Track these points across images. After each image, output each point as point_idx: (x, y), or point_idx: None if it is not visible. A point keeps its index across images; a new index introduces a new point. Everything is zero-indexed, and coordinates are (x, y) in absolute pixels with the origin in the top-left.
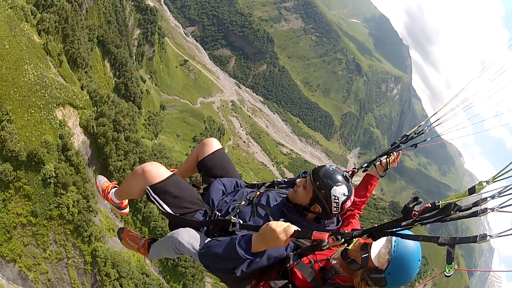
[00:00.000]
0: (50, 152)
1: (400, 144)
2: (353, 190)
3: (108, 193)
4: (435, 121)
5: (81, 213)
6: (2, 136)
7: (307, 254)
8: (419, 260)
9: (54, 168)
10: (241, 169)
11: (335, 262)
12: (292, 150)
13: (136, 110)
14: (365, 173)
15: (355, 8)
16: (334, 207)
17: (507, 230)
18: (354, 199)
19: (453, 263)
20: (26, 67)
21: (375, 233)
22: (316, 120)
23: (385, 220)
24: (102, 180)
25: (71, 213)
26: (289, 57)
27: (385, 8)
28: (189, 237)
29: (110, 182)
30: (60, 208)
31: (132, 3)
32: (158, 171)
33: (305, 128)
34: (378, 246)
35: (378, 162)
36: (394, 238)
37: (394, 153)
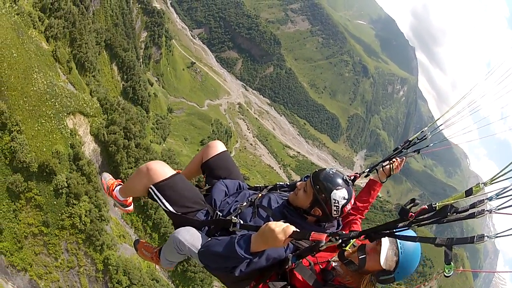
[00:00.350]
0: (61, 162)
1: (402, 150)
2: (353, 193)
3: (113, 190)
4: (439, 126)
5: (93, 222)
6: (12, 147)
7: (305, 255)
8: (421, 253)
9: (66, 179)
10: (248, 171)
11: (336, 264)
12: (299, 152)
13: (145, 114)
14: (367, 177)
15: (361, 9)
16: (334, 210)
17: (505, 231)
18: (356, 204)
19: (452, 263)
20: (35, 76)
21: (372, 235)
22: (322, 122)
23: None
24: (107, 177)
25: (83, 222)
26: (295, 59)
27: (391, 9)
28: (190, 236)
29: (115, 179)
30: (72, 218)
31: (139, 5)
32: (162, 170)
33: (311, 130)
34: (384, 251)
35: (381, 168)
36: (398, 240)
37: (398, 159)
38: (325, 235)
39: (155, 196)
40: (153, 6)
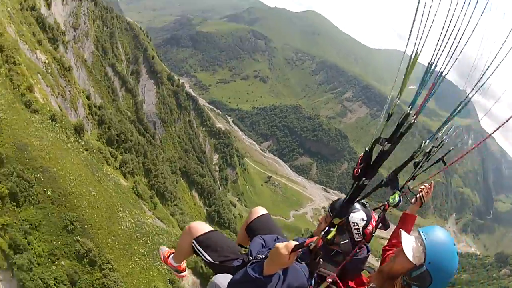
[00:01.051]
0: None
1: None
2: (372, 214)
3: (168, 257)
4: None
5: None
6: (106, 284)
7: (313, 267)
8: (451, 238)
9: None
10: None
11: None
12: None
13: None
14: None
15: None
16: (356, 233)
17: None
18: (392, 241)
19: (397, 191)
20: (120, 214)
21: (340, 211)
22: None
23: (494, 275)
24: (164, 249)
25: None
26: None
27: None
28: (225, 280)
29: (170, 249)
30: None
31: (204, 128)
32: (201, 227)
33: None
34: (409, 244)
35: (413, 199)
36: (420, 230)
37: (426, 185)
38: (318, 236)
39: (197, 250)
40: (217, 127)
